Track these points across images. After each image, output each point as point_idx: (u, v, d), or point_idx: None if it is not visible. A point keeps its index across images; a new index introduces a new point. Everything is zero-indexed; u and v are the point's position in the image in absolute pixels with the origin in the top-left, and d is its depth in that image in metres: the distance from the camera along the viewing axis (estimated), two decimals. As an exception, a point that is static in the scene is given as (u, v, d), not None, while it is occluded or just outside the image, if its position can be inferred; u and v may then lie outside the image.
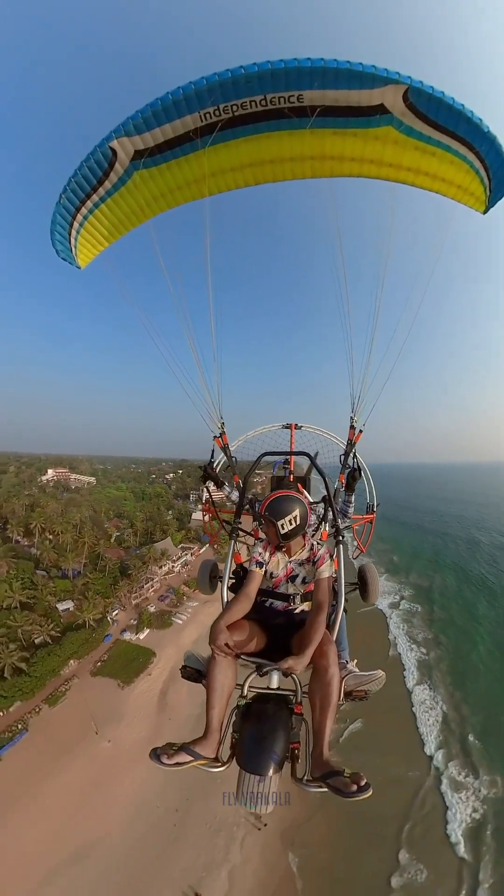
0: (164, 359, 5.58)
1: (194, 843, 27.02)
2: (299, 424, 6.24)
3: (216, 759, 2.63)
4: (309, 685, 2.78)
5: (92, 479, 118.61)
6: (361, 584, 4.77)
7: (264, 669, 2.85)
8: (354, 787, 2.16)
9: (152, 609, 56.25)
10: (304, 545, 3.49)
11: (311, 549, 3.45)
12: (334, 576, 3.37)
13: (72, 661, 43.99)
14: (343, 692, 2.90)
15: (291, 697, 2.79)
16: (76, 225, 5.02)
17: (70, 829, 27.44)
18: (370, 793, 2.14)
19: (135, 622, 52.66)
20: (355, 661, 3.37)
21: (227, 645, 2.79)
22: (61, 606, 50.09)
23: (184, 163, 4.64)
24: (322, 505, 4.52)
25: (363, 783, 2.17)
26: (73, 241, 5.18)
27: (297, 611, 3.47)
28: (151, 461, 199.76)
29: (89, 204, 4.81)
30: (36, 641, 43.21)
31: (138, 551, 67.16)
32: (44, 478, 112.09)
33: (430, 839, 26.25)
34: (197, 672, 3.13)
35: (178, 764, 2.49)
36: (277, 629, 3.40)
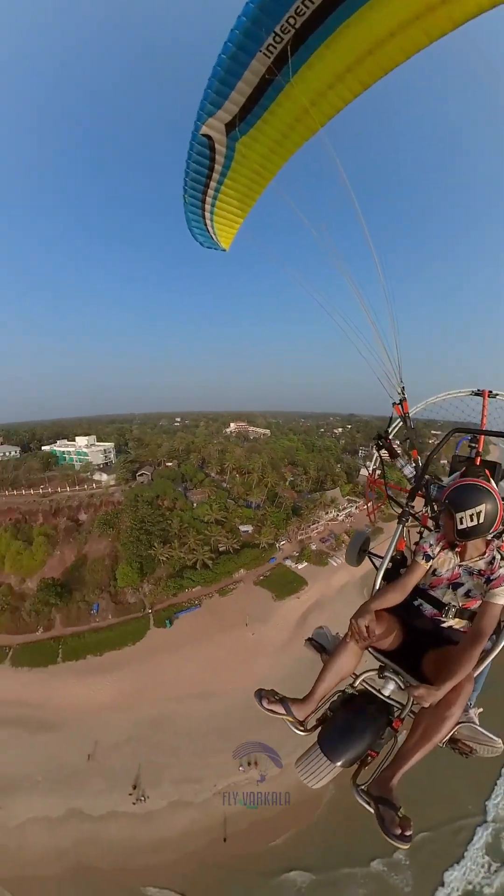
0: (338, 323, 5.09)
1: (277, 729, 33.77)
2: (494, 392, 4.74)
3: (302, 724, 2.78)
4: (421, 708, 2.50)
5: (266, 431, 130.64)
6: None
7: (386, 674, 2.77)
8: (398, 831, 2.07)
9: (313, 547, 63.41)
10: (485, 553, 2.93)
11: (492, 561, 2.87)
12: None
13: (242, 570, 56.45)
14: (451, 737, 2.59)
15: (396, 710, 2.69)
16: (207, 215, 5.18)
17: (207, 678, 38.54)
18: (407, 846, 2.10)
19: (296, 554, 61.27)
20: (480, 709, 2.82)
21: (367, 628, 2.65)
22: (242, 528, 63.31)
23: (278, 109, 4.17)
24: None
25: (408, 833, 2.07)
26: (210, 229, 5.40)
27: (445, 624, 3.04)
28: (319, 416, 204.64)
29: (210, 192, 4.89)
30: (220, 549, 57.52)
31: (310, 496, 74.83)
32: (227, 430, 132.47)
33: (429, 865, 26.45)
34: (321, 647, 3.12)
35: (272, 712, 2.79)
36: (416, 634, 3.07)
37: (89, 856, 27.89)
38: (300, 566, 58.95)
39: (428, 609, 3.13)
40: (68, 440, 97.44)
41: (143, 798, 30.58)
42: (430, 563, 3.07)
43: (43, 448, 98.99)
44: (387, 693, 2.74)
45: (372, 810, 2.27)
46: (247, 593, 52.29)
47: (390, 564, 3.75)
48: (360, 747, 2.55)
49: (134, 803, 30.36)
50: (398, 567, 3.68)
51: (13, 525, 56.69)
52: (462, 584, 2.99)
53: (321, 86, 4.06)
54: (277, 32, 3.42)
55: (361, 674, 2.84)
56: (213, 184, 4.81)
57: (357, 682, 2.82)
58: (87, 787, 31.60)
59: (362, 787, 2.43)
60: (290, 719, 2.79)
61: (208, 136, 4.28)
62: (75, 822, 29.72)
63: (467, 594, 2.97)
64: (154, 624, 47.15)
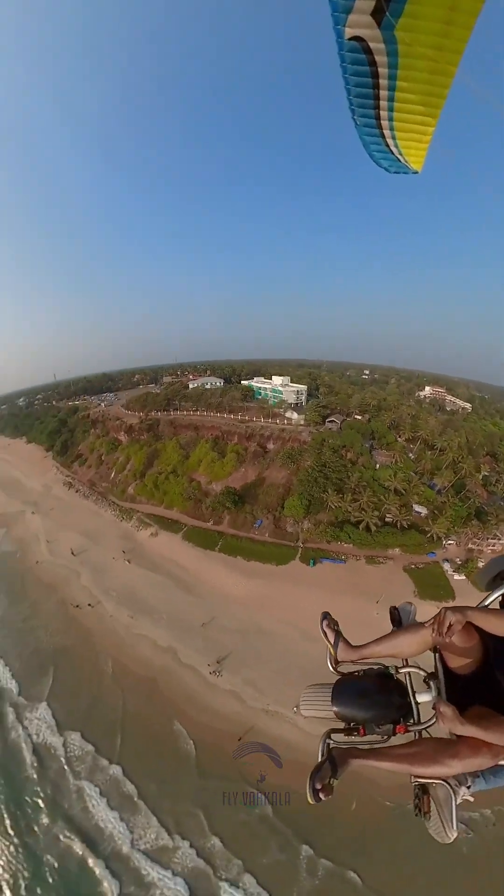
0: None
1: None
2: None
3: (336, 663, 2.85)
4: (429, 737, 2.40)
5: (467, 406, 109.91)
6: None
7: (432, 682, 2.65)
8: (318, 786, 2.11)
9: (480, 564, 53.29)
10: None
11: None
12: None
13: (398, 549, 52.29)
14: (422, 785, 2.38)
15: (411, 719, 2.57)
16: (387, 132, 4.27)
17: (317, 624, 40.00)
18: (311, 801, 2.10)
19: (459, 561, 52.74)
20: (471, 798, 2.42)
21: (450, 626, 2.29)
22: (416, 508, 58.14)
23: None
24: None
25: (321, 796, 2.08)
26: (394, 149, 4.47)
27: None
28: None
29: (384, 103, 3.97)
30: (387, 519, 54.97)
31: (503, 502, 61.34)
32: (421, 393, 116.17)
33: None
34: (398, 621, 3.02)
35: (324, 635, 2.95)
36: (488, 681, 2.53)
37: (163, 680, 37.08)
38: (457, 576, 50.68)
39: None
40: (265, 378, 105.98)
41: (217, 673, 36.76)
42: None
43: (242, 382, 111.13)
44: (418, 699, 2.60)
45: (318, 760, 2.31)
46: (391, 573, 48.97)
47: None
48: (360, 714, 2.55)
49: (210, 672, 36.94)
50: None
51: (213, 439, 67.12)
52: None
53: None
54: None
55: (413, 665, 2.76)
56: (383, 93, 3.88)
57: (403, 669, 2.76)
58: (189, 642, 40.28)
59: (330, 741, 2.46)
60: (332, 651, 2.87)
61: (357, 38, 3.46)
62: (168, 656, 39.29)
63: None
64: (299, 557, 50.02)
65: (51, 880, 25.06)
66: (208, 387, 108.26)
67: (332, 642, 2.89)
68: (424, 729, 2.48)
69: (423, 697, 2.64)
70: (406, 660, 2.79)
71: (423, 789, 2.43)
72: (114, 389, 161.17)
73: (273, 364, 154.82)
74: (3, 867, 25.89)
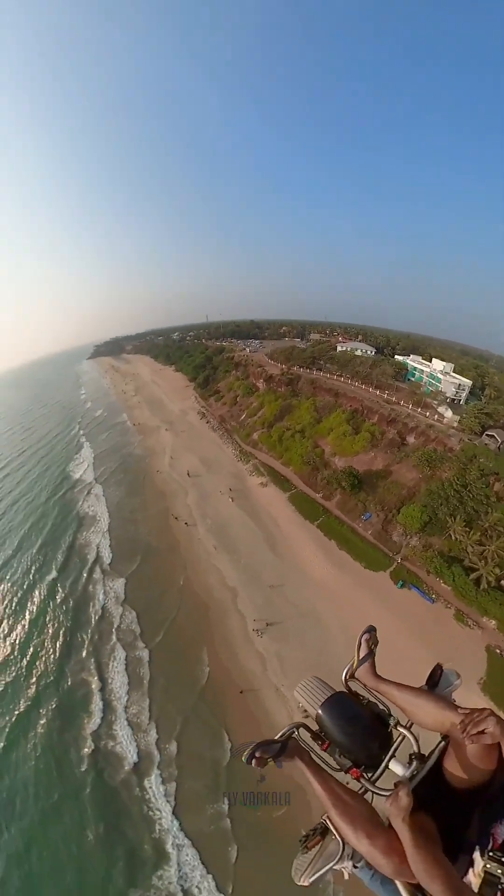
0: None
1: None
2: None
3: (350, 677, 2.80)
4: (366, 801, 2.28)
5: None
6: None
7: (414, 764, 2.38)
8: (258, 755, 2.15)
9: None
10: None
11: None
12: None
13: (494, 622, 37.65)
14: (326, 828, 2.30)
15: (373, 774, 2.41)
16: None
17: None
18: (243, 759, 2.17)
19: None
20: (350, 875, 2.31)
21: (481, 732, 1.95)
22: None
23: None
24: None
25: (257, 757, 2.14)
26: None
27: (475, 868, 1.88)
28: None
29: None
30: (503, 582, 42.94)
31: None
32: None
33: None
34: (435, 682, 2.71)
35: (358, 647, 2.87)
36: (475, 799, 2.18)
37: (214, 611, 38.93)
38: None
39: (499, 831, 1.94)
40: (423, 358, 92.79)
41: (259, 633, 36.30)
42: None
43: (396, 356, 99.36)
44: (391, 765, 2.41)
45: (276, 738, 2.38)
46: (470, 643, 36.59)
47: None
48: (335, 733, 2.49)
49: (253, 629, 36.62)
50: None
51: (351, 411, 61.95)
52: None
53: None
54: None
55: (413, 732, 2.46)
56: None
57: (401, 728, 2.51)
58: (252, 593, 40.53)
59: (295, 733, 2.50)
60: (355, 665, 2.82)
61: None
62: (229, 595, 40.69)
63: None
64: (391, 572, 43.07)
65: (62, 688, 33.80)
66: (358, 353, 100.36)
67: (360, 657, 2.81)
68: (371, 792, 2.35)
69: (396, 768, 2.41)
70: (410, 723, 2.48)
71: (324, 832, 2.36)
72: (259, 337, 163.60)
73: (434, 344, 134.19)
74: (39, 670, 35.83)
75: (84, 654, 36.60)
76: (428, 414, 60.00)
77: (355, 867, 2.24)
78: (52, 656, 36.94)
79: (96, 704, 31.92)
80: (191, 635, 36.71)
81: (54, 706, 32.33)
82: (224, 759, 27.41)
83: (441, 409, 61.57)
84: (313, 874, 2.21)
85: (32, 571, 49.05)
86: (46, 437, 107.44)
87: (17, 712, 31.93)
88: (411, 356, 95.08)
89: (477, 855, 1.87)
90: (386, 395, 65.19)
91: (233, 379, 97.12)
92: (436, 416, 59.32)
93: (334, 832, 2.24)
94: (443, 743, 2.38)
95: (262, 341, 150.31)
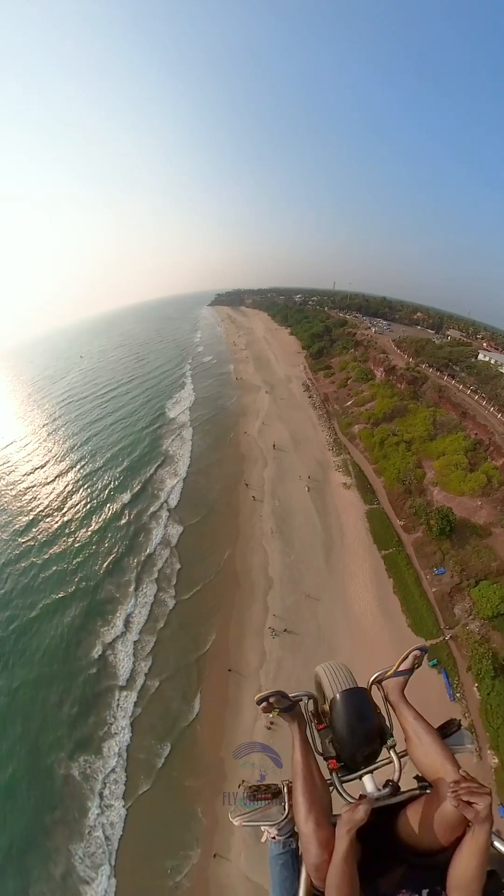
0: None
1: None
2: None
3: (378, 682, 2.75)
4: (328, 791, 2.35)
5: None
6: None
7: (388, 789, 2.29)
8: (273, 701, 2.46)
9: None
10: None
11: None
12: None
13: None
14: (279, 790, 2.55)
15: (345, 775, 2.44)
16: None
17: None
18: (257, 699, 2.48)
19: None
20: (265, 840, 2.59)
21: (470, 804, 1.72)
22: None
23: None
24: None
25: (271, 702, 2.47)
26: None
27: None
28: None
29: None
30: None
31: None
32: None
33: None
34: (446, 735, 2.57)
35: (403, 659, 2.72)
36: (411, 854, 2.12)
37: (243, 589, 38.87)
38: None
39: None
40: None
41: (274, 634, 34.95)
42: None
43: None
44: (365, 778, 2.41)
45: (292, 695, 2.61)
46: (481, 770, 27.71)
47: None
48: (338, 722, 2.50)
49: (269, 627, 35.36)
50: None
51: (474, 441, 52.10)
52: None
53: None
54: None
55: (404, 760, 2.49)
56: None
57: (397, 751, 2.49)
58: (285, 593, 38.93)
59: (304, 699, 2.70)
60: (391, 673, 2.77)
61: None
62: (263, 583, 39.54)
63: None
64: (434, 644, 35.27)
65: (97, 595, 38.52)
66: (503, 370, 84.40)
67: (399, 669, 2.69)
68: (335, 789, 2.39)
69: (367, 783, 2.41)
70: (405, 752, 2.47)
71: (276, 793, 2.52)
72: (389, 318, 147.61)
73: None
74: (86, 572, 41.33)
75: (124, 578, 40.07)
76: None
77: (274, 838, 2.45)
78: (99, 567, 41.55)
79: (117, 622, 35.54)
80: (215, 602, 37.48)
81: (84, 605, 37.21)
82: (186, 719, 29.11)
83: None
84: (248, 821, 2.43)
85: (111, 489, 52.66)
86: (156, 371, 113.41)
87: (56, 596, 37.82)
88: None
89: None
90: (529, 436, 53.13)
91: (349, 358, 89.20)
92: None
93: (286, 800, 2.45)
94: (417, 791, 2.35)
95: (391, 324, 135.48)
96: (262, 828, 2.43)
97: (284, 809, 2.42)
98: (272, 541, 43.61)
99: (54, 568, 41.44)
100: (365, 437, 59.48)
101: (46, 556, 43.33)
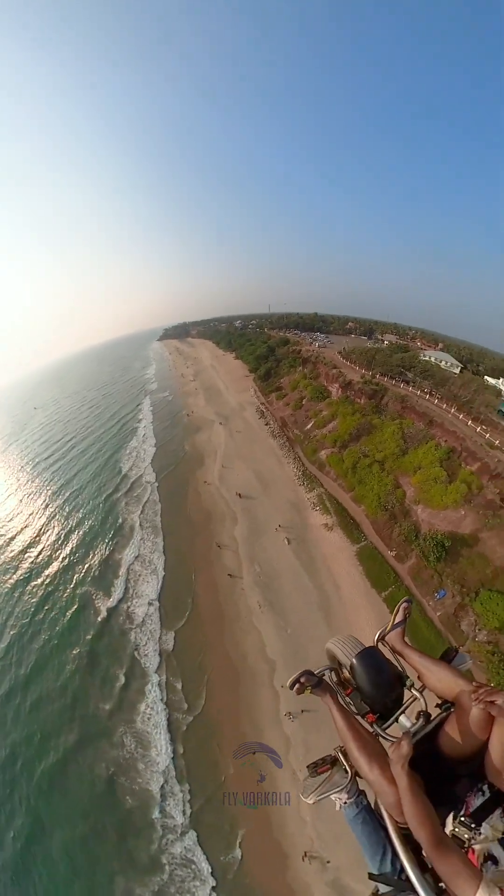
0: None
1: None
2: None
3: (381, 638, 3.13)
4: (377, 741, 2.54)
5: None
6: None
7: (420, 721, 2.51)
8: (303, 681, 2.67)
9: None
10: None
11: None
12: None
13: None
14: (335, 759, 2.70)
15: (384, 722, 2.67)
16: None
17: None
18: (288, 683, 2.69)
19: None
20: (340, 806, 2.58)
21: (493, 703, 2.01)
22: None
23: None
24: None
25: (302, 682, 2.66)
26: None
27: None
28: None
29: None
30: None
31: None
32: None
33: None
34: (450, 659, 2.92)
35: (396, 612, 3.27)
36: (459, 765, 2.32)
37: (244, 679, 32.01)
38: None
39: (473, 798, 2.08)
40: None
41: (290, 715, 28.69)
42: None
43: (487, 379, 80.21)
44: (401, 718, 2.66)
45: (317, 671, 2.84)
46: None
47: None
48: (363, 681, 2.69)
49: (287, 713, 28.72)
50: None
51: (447, 449, 48.12)
52: None
53: None
54: None
55: (424, 695, 2.70)
56: None
57: (415, 690, 2.73)
58: (290, 669, 32.16)
59: (327, 673, 2.99)
60: (388, 628, 3.18)
61: None
62: (265, 667, 32.58)
63: None
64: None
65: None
66: (443, 365, 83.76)
67: (395, 622, 3.08)
68: (380, 737, 2.54)
69: (404, 721, 2.61)
70: (423, 686, 2.71)
71: (333, 762, 2.63)
72: (324, 331, 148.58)
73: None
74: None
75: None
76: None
77: (345, 801, 2.49)
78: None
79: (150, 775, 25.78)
80: (220, 707, 29.86)
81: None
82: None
83: None
84: (320, 795, 2.47)
85: (75, 608, 40.76)
86: (112, 418, 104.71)
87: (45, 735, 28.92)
88: (510, 379, 76.20)
89: (449, 818, 1.97)
90: (488, 436, 49.84)
91: (299, 376, 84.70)
92: None
93: (345, 763, 2.54)
94: (448, 707, 2.47)
95: (329, 336, 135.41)
96: (333, 797, 2.49)
97: (347, 772, 2.50)
98: (263, 617, 35.86)
99: (48, 708, 30.38)
100: (335, 464, 53.93)
101: (36, 698, 31.89)
